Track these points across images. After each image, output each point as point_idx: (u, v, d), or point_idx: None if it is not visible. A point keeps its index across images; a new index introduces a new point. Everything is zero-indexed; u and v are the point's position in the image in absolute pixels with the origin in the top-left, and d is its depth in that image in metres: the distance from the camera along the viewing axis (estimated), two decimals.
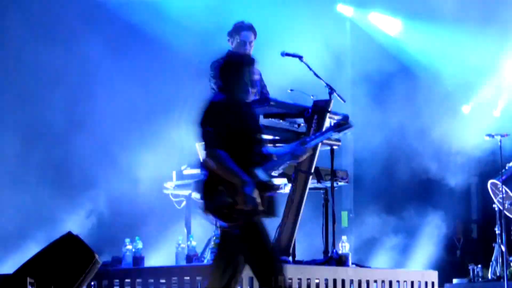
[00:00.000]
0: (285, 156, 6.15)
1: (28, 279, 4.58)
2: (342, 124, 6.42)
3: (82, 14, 9.83)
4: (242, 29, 8.32)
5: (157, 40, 10.21)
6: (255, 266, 5.79)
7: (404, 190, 11.53)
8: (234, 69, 6.23)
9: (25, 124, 9.41)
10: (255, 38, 8.39)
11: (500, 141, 9.77)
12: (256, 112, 6.44)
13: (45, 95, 9.46)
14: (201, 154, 8.28)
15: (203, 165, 6.06)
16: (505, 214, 10.27)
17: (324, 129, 6.33)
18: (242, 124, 6.07)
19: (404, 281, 7.76)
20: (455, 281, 9.86)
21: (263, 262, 5.76)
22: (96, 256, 5.27)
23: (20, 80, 9.47)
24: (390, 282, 7.61)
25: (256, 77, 6.35)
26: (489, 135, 9.64)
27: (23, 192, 9.13)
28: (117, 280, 7.13)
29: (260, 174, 5.88)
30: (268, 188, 5.98)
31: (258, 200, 5.78)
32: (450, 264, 10.33)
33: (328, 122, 7.91)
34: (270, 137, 8.04)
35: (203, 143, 6.01)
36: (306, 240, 8.94)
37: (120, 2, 9.97)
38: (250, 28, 8.37)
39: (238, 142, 5.94)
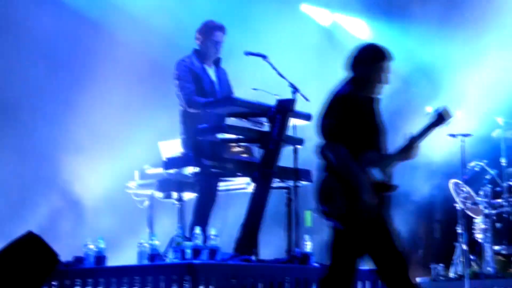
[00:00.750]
0: (396, 155, 6.03)
1: None
2: (441, 117, 6.29)
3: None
4: (215, 29, 8.31)
5: (120, 41, 10.16)
6: (382, 264, 5.86)
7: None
8: (373, 61, 6.09)
9: None
10: (225, 36, 8.37)
11: (463, 141, 9.85)
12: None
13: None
14: (164, 153, 8.30)
15: (321, 165, 5.96)
16: (467, 214, 10.32)
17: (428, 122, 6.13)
18: (368, 121, 6.01)
19: (367, 279, 7.76)
20: (417, 280, 9.88)
21: (391, 260, 5.82)
22: (58, 256, 5.20)
23: None
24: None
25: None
26: (452, 135, 9.68)
27: None
28: (79, 280, 7.09)
29: (377, 173, 5.86)
30: (386, 188, 5.96)
31: (375, 202, 5.75)
32: (412, 263, 10.35)
33: (291, 121, 7.93)
34: (233, 136, 8.03)
35: (323, 135, 5.92)
36: (270, 240, 8.93)
37: None
38: (222, 28, 8.35)
39: (362, 139, 5.89)
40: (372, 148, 5.92)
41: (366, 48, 6.20)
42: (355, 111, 5.94)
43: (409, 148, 5.98)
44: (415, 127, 6.05)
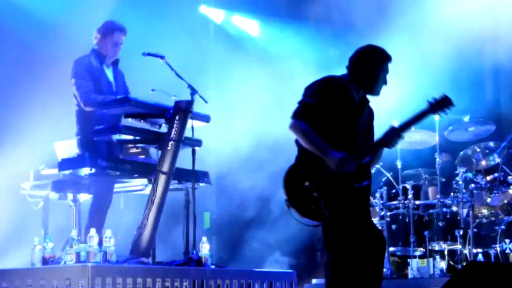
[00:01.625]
0: (377, 144, 6.16)
1: None
2: (442, 103, 6.29)
3: None
4: (115, 30, 8.25)
5: (18, 39, 10.02)
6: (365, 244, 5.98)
7: (268, 189, 11.58)
8: (375, 62, 6.23)
9: None
10: (124, 40, 8.33)
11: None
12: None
13: None
14: (59, 154, 8.20)
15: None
16: None
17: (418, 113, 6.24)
18: (349, 115, 6.07)
19: (263, 282, 7.79)
20: (314, 281, 9.97)
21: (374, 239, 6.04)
22: None
23: None
24: (249, 284, 7.64)
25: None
26: None
27: None
28: None
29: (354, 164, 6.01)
30: (366, 176, 6.01)
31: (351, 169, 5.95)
32: (310, 265, 10.44)
33: (190, 123, 7.92)
34: (130, 137, 7.98)
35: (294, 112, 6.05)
36: (167, 242, 8.92)
37: None
38: (123, 29, 8.31)
39: (336, 129, 6.07)
40: (346, 140, 6.10)
41: (367, 49, 6.32)
42: (336, 96, 6.05)
43: (388, 138, 6.10)
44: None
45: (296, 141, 6.20)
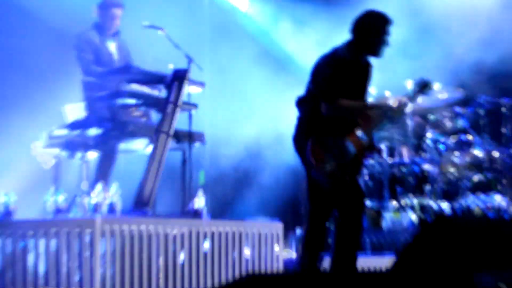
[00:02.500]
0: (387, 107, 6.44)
1: None
2: (425, 85, 6.41)
3: None
4: (112, 5, 8.27)
5: (27, 12, 9.94)
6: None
7: (257, 148, 11.57)
8: (377, 25, 6.30)
9: None
10: (122, 12, 8.31)
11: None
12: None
13: None
14: (69, 117, 8.21)
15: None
16: None
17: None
18: (354, 84, 6.12)
19: (253, 232, 7.83)
20: (298, 231, 10.01)
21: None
22: None
23: None
24: (240, 233, 7.68)
25: None
26: None
27: None
28: None
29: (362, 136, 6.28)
30: (371, 148, 6.14)
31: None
32: (294, 217, 10.46)
33: (186, 88, 7.92)
34: (133, 101, 7.99)
35: (318, 94, 6.16)
36: (166, 196, 8.93)
37: None
38: (120, 5, 8.32)
39: (352, 97, 6.28)
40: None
41: (369, 14, 6.35)
42: (341, 72, 6.10)
43: (399, 108, 6.20)
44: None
45: (298, 104, 6.27)
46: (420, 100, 8.82)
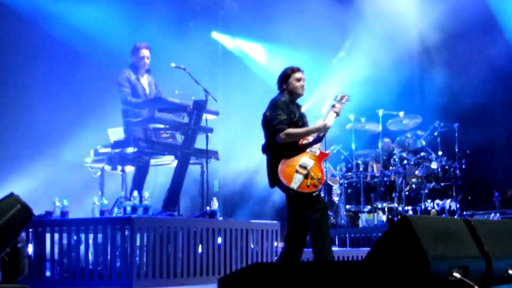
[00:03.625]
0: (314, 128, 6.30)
1: None
2: (343, 98, 6.48)
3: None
4: (141, 48, 8.26)
5: (80, 54, 10.01)
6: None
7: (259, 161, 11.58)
8: (288, 75, 6.36)
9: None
10: (150, 53, 8.31)
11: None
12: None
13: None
14: (112, 137, 8.23)
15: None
16: (328, 183, 10.53)
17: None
18: (295, 116, 6.10)
19: (257, 230, 7.84)
20: None
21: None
22: (32, 210, 5.12)
23: None
24: (247, 230, 7.69)
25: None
26: None
27: None
28: (48, 228, 6.99)
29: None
30: (325, 156, 6.26)
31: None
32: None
33: (204, 116, 7.95)
34: (161, 125, 8.01)
35: (272, 129, 6.14)
36: (188, 200, 8.93)
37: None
38: (147, 46, 8.30)
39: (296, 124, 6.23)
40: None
41: (283, 69, 6.38)
42: (287, 109, 6.10)
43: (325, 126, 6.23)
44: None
45: (263, 150, 6.28)
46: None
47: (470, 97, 11.09)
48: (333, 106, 6.56)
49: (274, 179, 6.21)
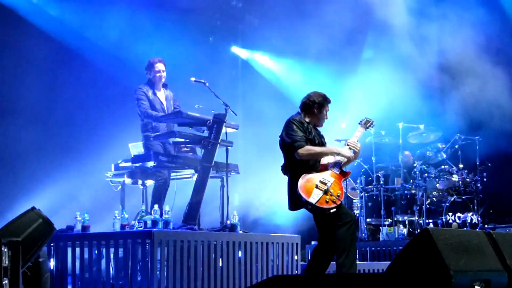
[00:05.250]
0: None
1: (2, 241, 4.43)
2: (367, 123, 6.46)
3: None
4: (155, 62, 8.29)
5: (97, 69, 10.09)
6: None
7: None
8: (316, 104, 6.32)
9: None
10: (165, 67, 8.34)
11: (346, 145, 9.96)
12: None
13: None
14: (132, 152, 8.26)
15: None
16: (348, 196, 10.48)
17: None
18: (312, 138, 6.19)
19: (277, 243, 7.82)
20: (313, 242, 9.98)
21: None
22: (53, 224, 5.14)
23: None
24: (267, 244, 7.67)
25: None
26: (338, 140, 9.75)
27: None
28: (70, 243, 7.01)
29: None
30: (345, 174, 6.21)
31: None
32: (309, 232, 10.41)
33: (224, 129, 7.96)
34: (182, 139, 8.03)
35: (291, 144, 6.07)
36: (208, 214, 8.93)
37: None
38: (161, 60, 8.33)
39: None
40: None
41: (316, 95, 6.32)
42: (302, 126, 6.08)
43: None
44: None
45: (283, 170, 6.26)
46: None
47: (489, 109, 11.01)
48: (364, 126, 6.56)
49: (293, 200, 6.18)
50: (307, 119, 6.30)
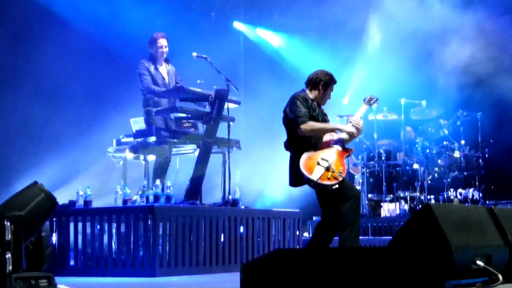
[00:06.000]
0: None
1: (5, 215, 4.45)
2: (371, 100, 6.42)
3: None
4: (158, 38, 8.27)
5: (104, 48, 10.05)
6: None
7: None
8: (322, 82, 6.23)
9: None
10: (168, 43, 8.31)
11: (348, 121, 9.93)
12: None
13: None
14: (134, 127, 8.26)
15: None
16: (350, 172, 10.48)
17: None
18: (316, 110, 6.15)
19: (279, 218, 7.85)
20: (314, 218, 10.01)
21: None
22: (55, 199, 5.16)
23: None
24: (269, 219, 7.70)
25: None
26: (340, 116, 9.72)
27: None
28: (72, 217, 7.04)
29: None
30: (347, 151, 6.14)
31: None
32: (311, 205, 10.42)
33: (226, 105, 7.94)
34: (184, 115, 8.03)
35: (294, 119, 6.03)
36: (210, 189, 8.94)
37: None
38: (164, 36, 8.30)
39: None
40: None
41: (320, 73, 6.27)
42: (306, 103, 6.05)
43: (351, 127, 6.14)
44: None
45: (285, 146, 6.22)
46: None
47: (490, 86, 10.95)
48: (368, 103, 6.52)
49: (295, 176, 6.16)
50: (311, 96, 6.26)
